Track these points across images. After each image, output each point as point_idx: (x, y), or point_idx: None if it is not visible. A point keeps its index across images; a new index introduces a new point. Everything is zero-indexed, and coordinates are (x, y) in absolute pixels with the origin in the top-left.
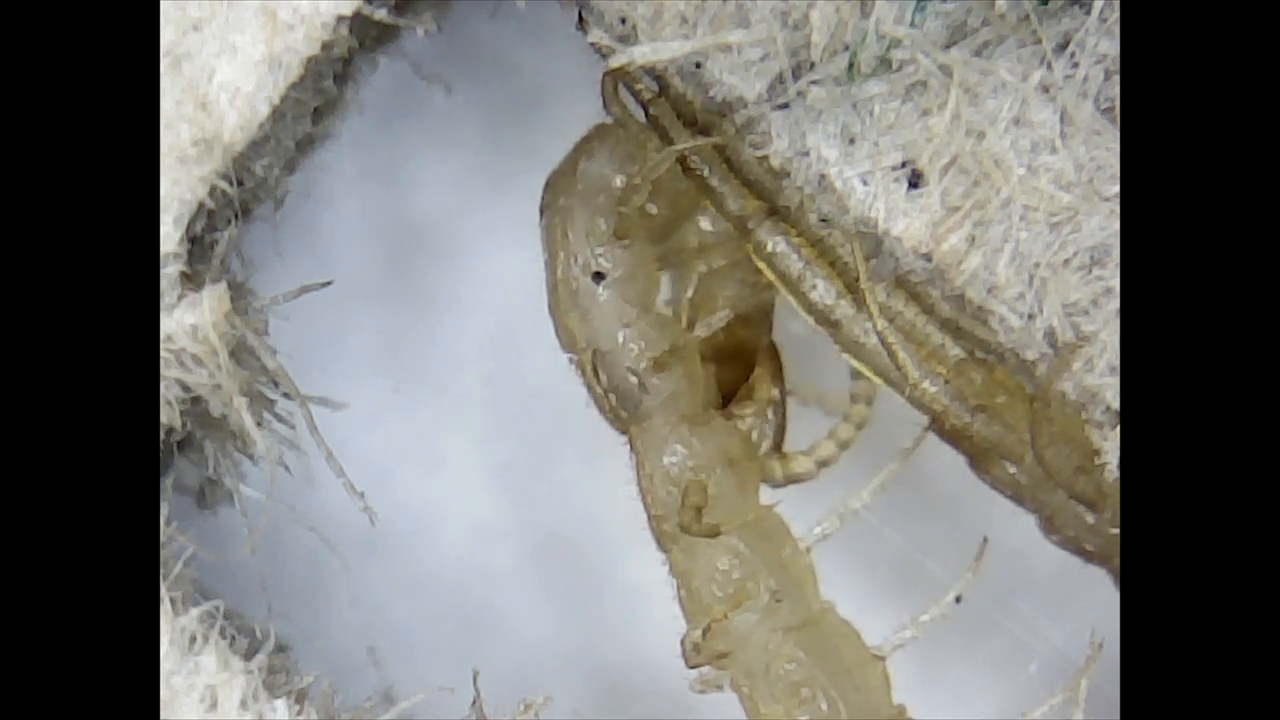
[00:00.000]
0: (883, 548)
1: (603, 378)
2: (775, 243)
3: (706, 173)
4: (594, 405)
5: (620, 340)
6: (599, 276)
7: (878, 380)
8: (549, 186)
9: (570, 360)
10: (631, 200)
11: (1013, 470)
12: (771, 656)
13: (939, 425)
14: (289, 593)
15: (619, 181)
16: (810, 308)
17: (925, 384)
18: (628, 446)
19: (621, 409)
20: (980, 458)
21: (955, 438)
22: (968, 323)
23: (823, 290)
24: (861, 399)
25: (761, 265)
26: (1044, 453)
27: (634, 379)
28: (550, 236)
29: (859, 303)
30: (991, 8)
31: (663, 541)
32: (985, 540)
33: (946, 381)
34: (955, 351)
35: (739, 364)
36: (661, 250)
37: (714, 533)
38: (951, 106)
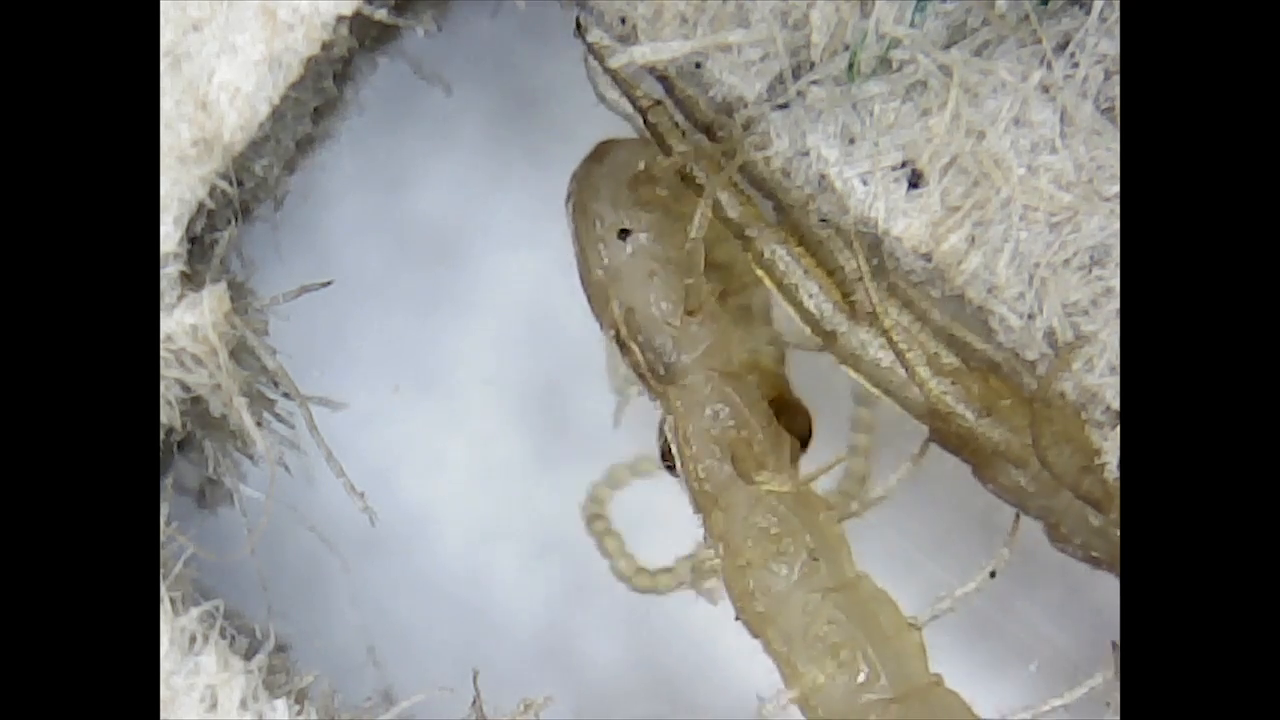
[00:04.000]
0: (883, 548)
1: (640, 338)
2: (774, 251)
3: (705, 179)
4: (632, 373)
5: (650, 297)
6: (625, 233)
7: (875, 391)
8: (574, 177)
9: (605, 333)
10: (655, 186)
11: (1017, 476)
12: (810, 618)
13: (943, 431)
14: (289, 593)
15: (642, 165)
16: (808, 318)
17: (932, 384)
18: (660, 413)
19: (659, 365)
20: (984, 465)
21: (959, 444)
22: (960, 331)
23: (821, 301)
24: (863, 427)
25: (761, 274)
26: (1047, 454)
27: (669, 329)
28: (577, 208)
29: (858, 314)
30: (991, 8)
31: (702, 503)
32: (1017, 516)
33: (953, 383)
34: (950, 360)
35: (796, 412)
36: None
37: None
38: (951, 106)
